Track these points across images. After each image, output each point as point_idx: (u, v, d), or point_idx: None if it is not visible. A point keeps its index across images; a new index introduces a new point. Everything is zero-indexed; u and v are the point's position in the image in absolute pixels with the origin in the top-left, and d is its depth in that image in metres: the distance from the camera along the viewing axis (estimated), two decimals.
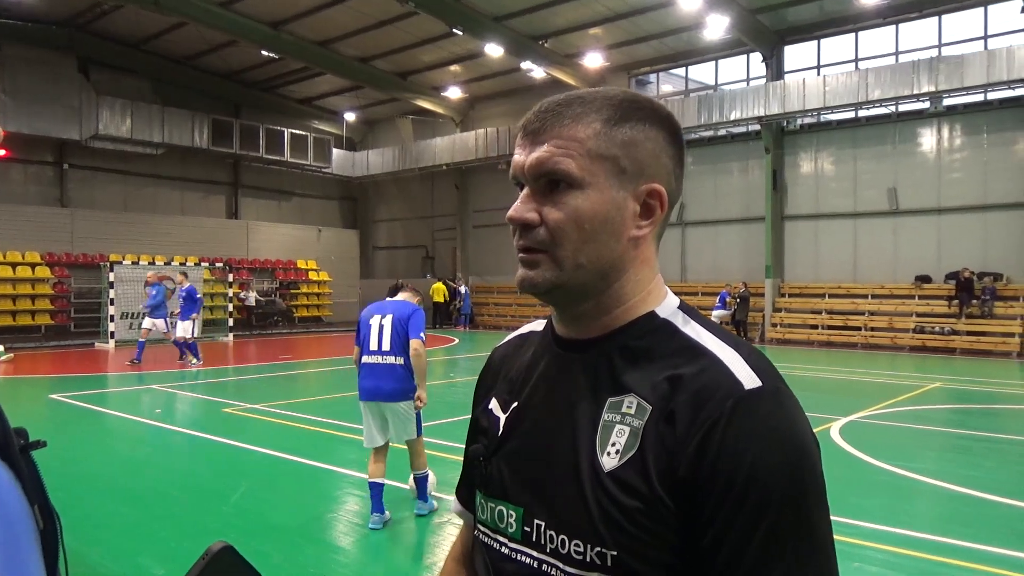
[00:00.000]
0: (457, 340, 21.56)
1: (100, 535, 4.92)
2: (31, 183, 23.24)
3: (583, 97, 0.92)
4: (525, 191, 0.92)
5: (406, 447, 5.40)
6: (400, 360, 5.11)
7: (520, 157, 0.92)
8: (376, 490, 5.17)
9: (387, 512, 5.26)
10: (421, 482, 5.39)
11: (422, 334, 5.16)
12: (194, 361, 14.80)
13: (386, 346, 5.10)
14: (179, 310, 14.78)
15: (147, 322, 15.26)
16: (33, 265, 21.77)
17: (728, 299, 19.68)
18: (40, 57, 21.49)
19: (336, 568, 4.59)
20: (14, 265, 21.37)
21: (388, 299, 5.45)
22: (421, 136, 28.58)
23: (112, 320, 19.43)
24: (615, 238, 0.90)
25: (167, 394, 11.51)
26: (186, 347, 14.91)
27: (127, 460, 7.44)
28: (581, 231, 0.89)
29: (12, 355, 16.03)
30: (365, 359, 5.17)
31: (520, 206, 0.91)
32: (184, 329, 14.80)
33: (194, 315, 14.88)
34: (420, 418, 5.33)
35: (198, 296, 15.10)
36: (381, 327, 5.14)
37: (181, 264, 22.39)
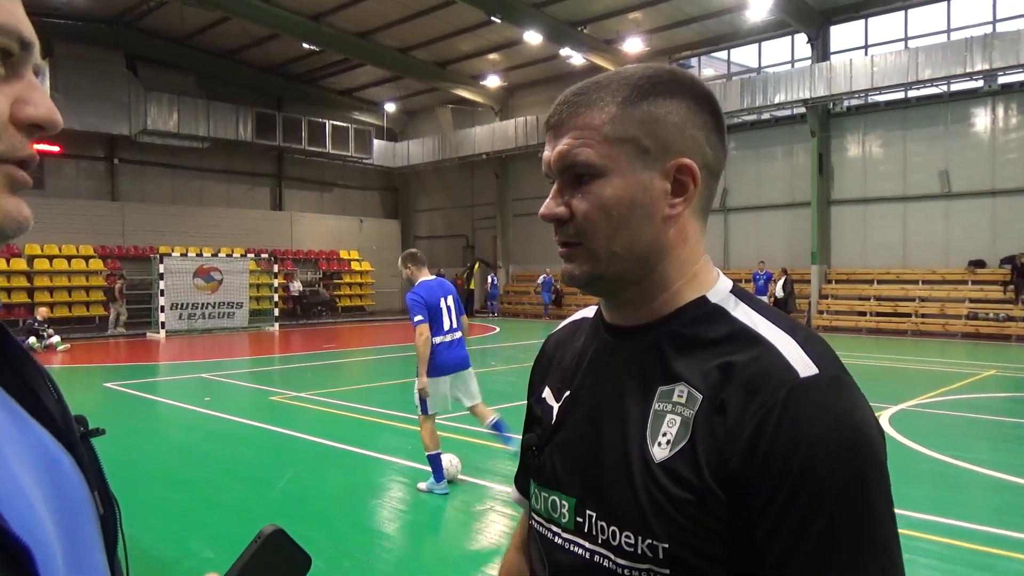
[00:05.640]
0: (498, 329, 21.62)
1: (151, 519, 5.07)
2: (83, 178, 23.90)
3: (600, 82, 0.90)
4: (555, 186, 0.91)
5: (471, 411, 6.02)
6: (461, 332, 5.85)
7: (547, 152, 0.91)
8: (440, 460, 5.64)
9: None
10: (501, 424, 5.84)
11: None
12: None
13: (455, 323, 5.73)
14: None
15: None
16: (87, 258, 22.43)
17: (771, 284, 19.36)
18: (90, 55, 22.04)
19: (381, 553, 4.65)
20: (69, 258, 22.04)
21: (427, 278, 5.78)
22: (461, 125, 28.62)
23: (163, 311, 19.93)
24: (647, 221, 0.88)
25: (216, 382, 11.77)
26: None
27: (177, 447, 7.64)
28: (609, 219, 0.87)
29: (69, 345, 16.59)
30: (442, 338, 5.64)
31: (550, 202, 0.91)
32: None
33: None
34: None
35: None
36: (449, 308, 5.69)
37: (228, 256, 22.81)
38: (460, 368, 5.76)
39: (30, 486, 0.56)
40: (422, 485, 5.70)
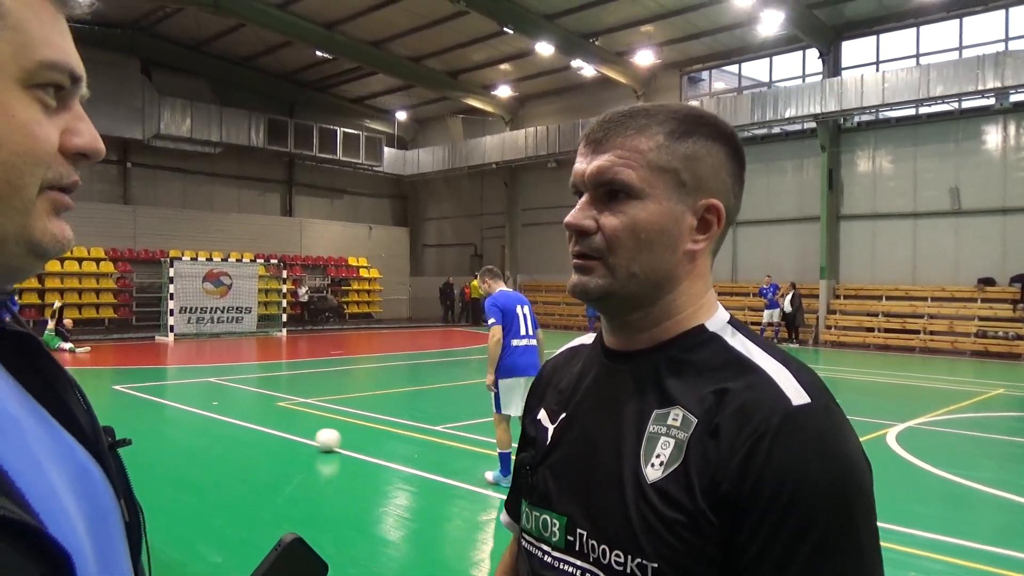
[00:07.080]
0: None
1: (159, 522, 5.09)
2: (96, 181, 24.05)
3: (648, 110, 0.93)
4: (584, 198, 0.93)
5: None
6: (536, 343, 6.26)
7: (581, 165, 0.93)
8: (509, 458, 5.91)
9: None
10: None
11: None
12: None
13: (530, 331, 6.15)
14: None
15: None
16: (98, 260, 22.57)
17: (777, 295, 19.37)
18: (105, 59, 22.19)
19: (385, 561, 4.67)
20: (80, 260, 22.18)
21: (504, 289, 6.25)
22: (471, 135, 28.71)
23: (172, 314, 20.01)
24: (670, 250, 0.91)
25: (224, 387, 11.81)
26: None
27: (185, 450, 7.67)
28: (637, 240, 0.89)
29: (89, 347, 16.83)
30: (518, 342, 6.05)
31: (578, 212, 0.93)
32: None
33: None
34: None
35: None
36: (524, 315, 6.14)
37: (238, 260, 22.89)
38: (533, 373, 5.92)
39: (64, 493, 0.58)
40: (489, 475, 6.11)
